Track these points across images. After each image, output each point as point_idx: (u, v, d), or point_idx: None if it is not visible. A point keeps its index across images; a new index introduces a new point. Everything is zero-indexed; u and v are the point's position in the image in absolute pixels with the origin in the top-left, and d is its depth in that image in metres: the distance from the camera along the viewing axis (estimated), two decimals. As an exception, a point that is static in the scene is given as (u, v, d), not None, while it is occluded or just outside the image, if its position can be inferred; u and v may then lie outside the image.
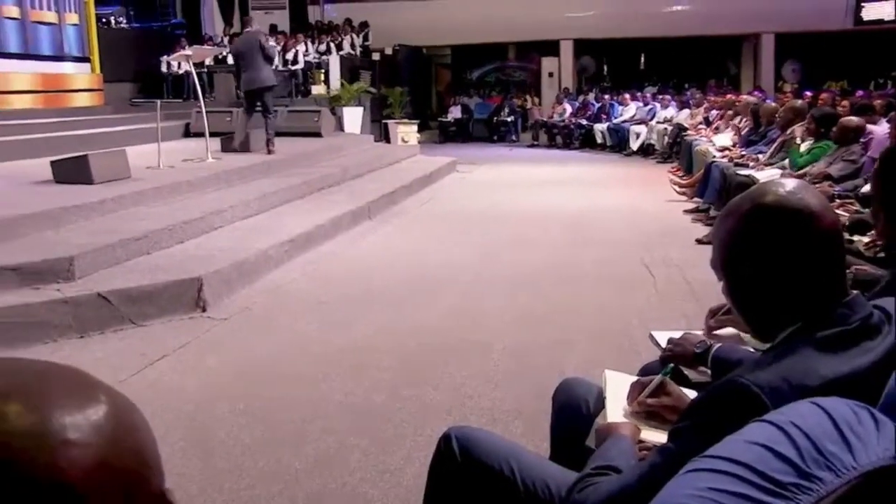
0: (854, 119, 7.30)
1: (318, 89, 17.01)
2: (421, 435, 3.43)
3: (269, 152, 10.50)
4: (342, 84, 16.60)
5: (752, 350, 1.94)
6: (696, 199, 9.34)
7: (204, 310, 5.31)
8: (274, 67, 11.57)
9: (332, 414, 3.74)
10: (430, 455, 1.98)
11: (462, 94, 22.67)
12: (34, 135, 10.38)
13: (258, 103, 10.66)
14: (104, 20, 18.87)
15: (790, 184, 1.49)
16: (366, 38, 19.59)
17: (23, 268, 5.07)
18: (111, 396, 0.60)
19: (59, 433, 0.55)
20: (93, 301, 4.97)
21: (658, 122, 16.86)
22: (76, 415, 0.57)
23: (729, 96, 14.33)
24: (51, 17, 14.09)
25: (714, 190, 8.52)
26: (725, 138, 10.92)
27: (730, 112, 12.42)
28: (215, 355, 4.58)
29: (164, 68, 17.93)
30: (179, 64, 16.28)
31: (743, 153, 9.38)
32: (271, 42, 11.11)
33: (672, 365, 1.97)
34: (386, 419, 3.66)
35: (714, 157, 9.63)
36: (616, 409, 1.87)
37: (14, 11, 13.24)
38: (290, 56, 18.22)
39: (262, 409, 3.82)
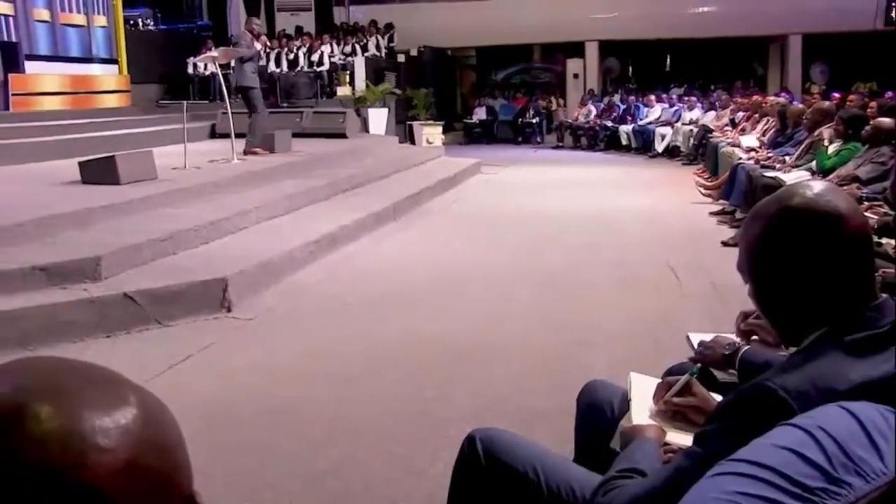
0: (887, 120, 7.20)
1: (343, 90, 17.06)
2: (445, 436, 3.42)
3: (247, 152, 10.26)
4: (367, 85, 16.65)
5: (780, 354, 1.92)
6: (721, 200, 9.28)
7: (229, 310, 5.34)
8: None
9: (357, 415, 3.75)
10: (454, 456, 1.98)
11: (487, 95, 22.65)
12: (63, 136, 10.51)
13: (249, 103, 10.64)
14: (132, 22, 19.08)
15: (818, 186, 1.47)
16: (391, 40, 19.63)
17: (50, 268, 5.12)
18: (141, 397, 0.60)
19: (89, 436, 0.55)
20: (119, 301, 5.02)
21: (683, 124, 16.75)
22: (106, 417, 0.57)
23: (755, 98, 14.21)
24: (79, 19, 14.26)
25: (740, 192, 8.46)
26: (752, 140, 10.84)
27: (756, 114, 12.33)
28: (240, 355, 4.60)
29: (190, 70, 18.05)
30: (206, 65, 16.39)
31: (769, 155, 9.30)
32: (257, 45, 10.78)
33: (699, 365, 1.96)
34: (410, 420, 3.66)
35: (740, 158, 9.56)
36: (641, 412, 1.87)
37: (45, 14, 13.44)
38: (315, 57, 18.29)
39: (286, 409, 3.83)
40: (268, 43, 11.07)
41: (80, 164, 7.88)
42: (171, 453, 0.60)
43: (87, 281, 5.17)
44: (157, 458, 0.59)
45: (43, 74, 13.05)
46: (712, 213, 9.08)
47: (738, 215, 8.27)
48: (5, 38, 12.51)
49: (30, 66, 12.83)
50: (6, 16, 12.49)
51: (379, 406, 3.84)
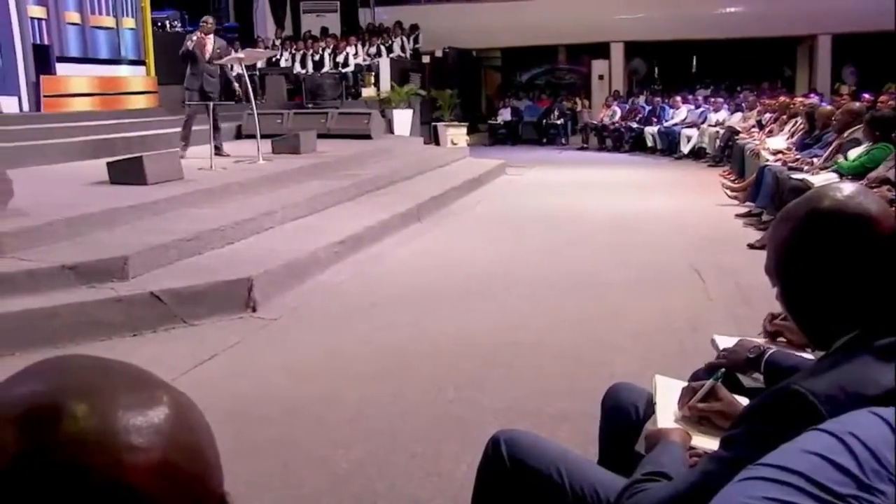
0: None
1: (368, 91, 17.11)
2: (468, 437, 3.42)
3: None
4: (392, 86, 16.68)
5: (806, 356, 1.90)
6: (748, 203, 9.20)
7: (254, 310, 5.38)
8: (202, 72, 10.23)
9: (381, 415, 3.75)
10: (477, 457, 1.98)
11: (512, 96, 22.62)
12: (92, 136, 10.61)
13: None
14: (159, 24, 19.19)
15: (848, 188, 1.45)
16: (416, 41, 19.66)
17: (79, 267, 5.18)
18: (173, 397, 0.61)
19: (123, 435, 0.56)
20: (146, 300, 5.07)
21: (710, 126, 16.64)
22: (140, 417, 0.57)
23: (782, 99, 14.08)
24: (109, 21, 14.41)
25: (767, 194, 8.39)
26: (779, 141, 10.74)
27: (784, 116, 12.22)
28: (265, 355, 4.63)
29: (217, 71, 18.15)
30: (231, 66, 16.50)
31: (797, 157, 9.22)
32: (188, 44, 10.29)
33: (723, 370, 1.94)
34: (433, 421, 3.66)
35: (767, 160, 9.48)
36: (666, 415, 1.85)
37: (75, 17, 13.60)
38: (340, 58, 18.35)
39: (310, 408, 3.85)
40: (193, 38, 10.26)
41: (109, 164, 7.97)
42: (202, 453, 0.61)
43: (114, 280, 5.22)
44: (190, 458, 0.59)
45: (73, 76, 13.20)
46: (738, 216, 9.01)
47: (765, 217, 8.21)
48: (38, 41, 12.68)
49: (60, 68, 12.98)
50: (39, 19, 12.65)
51: (402, 407, 3.85)
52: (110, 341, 4.79)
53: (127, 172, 7.71)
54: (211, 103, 10.06)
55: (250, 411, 3.81)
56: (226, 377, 4.28)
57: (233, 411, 3.75)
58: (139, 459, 0.55)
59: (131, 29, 15.02)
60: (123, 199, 6.77)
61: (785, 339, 2.16)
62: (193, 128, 10.50)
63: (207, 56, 10.06)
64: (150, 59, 15.46)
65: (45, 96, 12.41)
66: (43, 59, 12.55)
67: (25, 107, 12.42)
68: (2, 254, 5.26)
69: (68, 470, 0.53)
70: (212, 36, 10.32)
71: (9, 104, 12.15)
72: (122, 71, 14.69)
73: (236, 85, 10.83)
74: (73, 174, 8.51)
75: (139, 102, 14.59)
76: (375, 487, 3.07)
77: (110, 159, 8.16)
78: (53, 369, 0.60)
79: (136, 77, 14.93)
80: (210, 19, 10.88)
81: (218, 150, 10.01)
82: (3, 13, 12.27)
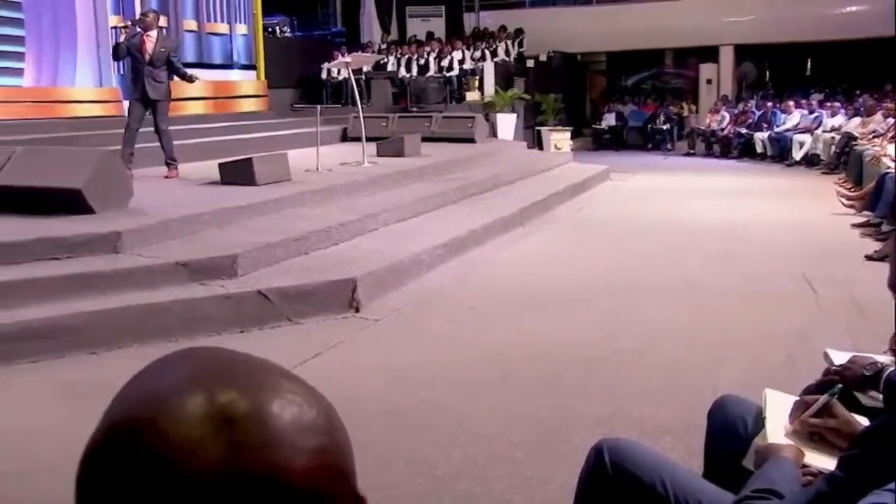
0: None
1: (472, 95, 17.16)
2: (568, 444, 3.39)
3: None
4: (496, 90, 16.69)
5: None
6: (865, 212, 8.82)
7: (357, 310, 5.46)
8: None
9: (480, 418, 3.75)
10: (576, 465, 1.96)
11: (616, 100, 22.33)
12: (205, 138, 11.00)
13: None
14: (270, 30, 19.73)
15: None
16: (520, 45, 19.61)
17: (191, 264, 5.38)
18: (313, 392, 0.61)
19: (303, 439, 0.55)
20: (253, 298, 5.21)
21: (824, 131, 16.03)
22: (300, 416, 0.57)
23: (907, 103, 13.45)
24: (223, 28, 14.96)
25: (887, 203, 8.03)
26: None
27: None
28: (367, 355, 4.69)
29: (324, 75, 18.55)
30: (339, 70, 16.85)
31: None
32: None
33: (839, 386, 1.86)
34: (533, 426, 3.65)
35: (888, 167, 9.06)
36: (777, 431, 1.79)
37: (192, 24, 14.19)
38: (445, 62, 18.48)
39: (411, 409, 3.88)
40: (132, 30, 8.68)
41: (220, 165, 8.24)
42: (347, 451, 0.60)
43: (224, 278, 5.40)
44: (339, 453, 0.59)
45: (189, 81, 13.73)
46: (855, 226, 8.63)
47: (885, 228, 7.85)
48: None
49: (178, 73, 13.52)
50: (164, 28, 13.22)
51: (502, 411, 3.84)
52: (219, 337, 4.94)
53: (237, 173, 7.95)
54: (156, 108, 8.78)
55: (351, 410, 3.85)
56: (329, 375, 4.35)
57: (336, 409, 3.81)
58: (302, 458, 0.55)
59: (243, 35, 15.53)
60: (233, 200, 6.99)
61: None
62: (305, 129, 10.69)
63: (148, 56, 8.59)
64: (261, 64, 15.93)
65: (163, 100, 12.95)
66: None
67: (146, 110, 12.99)
68: (122, 251, 5.51)
69: (267, 476, 0.53)
70: (154, 32, 8.78)
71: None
72: (235, 75, 15.19)
73: (191, 72, 9.24)
74: (187, 174, 8.83)
75: (250, 106, 15.06)
76: (474, 491, 3.08)
77: (222, 160, 8.43)
78: (210, 366, 0.60)
79: (247, 81, 15.42)
80: (151, 13, 9.16)
81: (170, 165, 8.87)
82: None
